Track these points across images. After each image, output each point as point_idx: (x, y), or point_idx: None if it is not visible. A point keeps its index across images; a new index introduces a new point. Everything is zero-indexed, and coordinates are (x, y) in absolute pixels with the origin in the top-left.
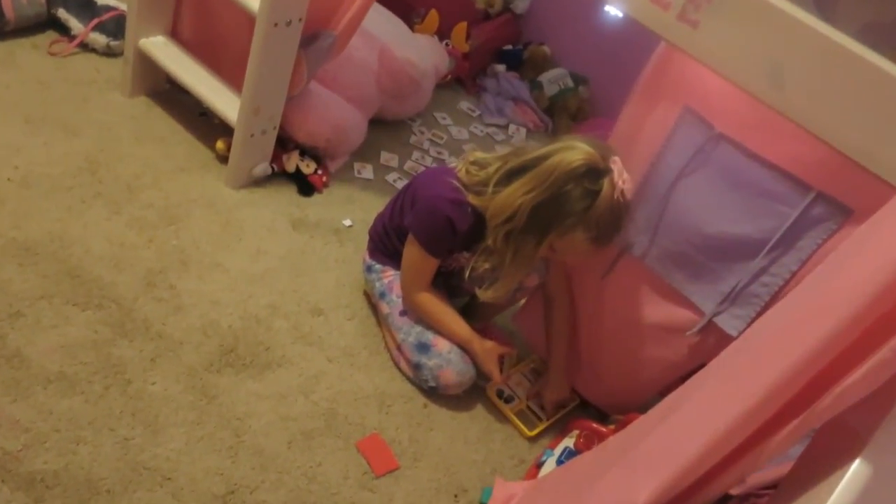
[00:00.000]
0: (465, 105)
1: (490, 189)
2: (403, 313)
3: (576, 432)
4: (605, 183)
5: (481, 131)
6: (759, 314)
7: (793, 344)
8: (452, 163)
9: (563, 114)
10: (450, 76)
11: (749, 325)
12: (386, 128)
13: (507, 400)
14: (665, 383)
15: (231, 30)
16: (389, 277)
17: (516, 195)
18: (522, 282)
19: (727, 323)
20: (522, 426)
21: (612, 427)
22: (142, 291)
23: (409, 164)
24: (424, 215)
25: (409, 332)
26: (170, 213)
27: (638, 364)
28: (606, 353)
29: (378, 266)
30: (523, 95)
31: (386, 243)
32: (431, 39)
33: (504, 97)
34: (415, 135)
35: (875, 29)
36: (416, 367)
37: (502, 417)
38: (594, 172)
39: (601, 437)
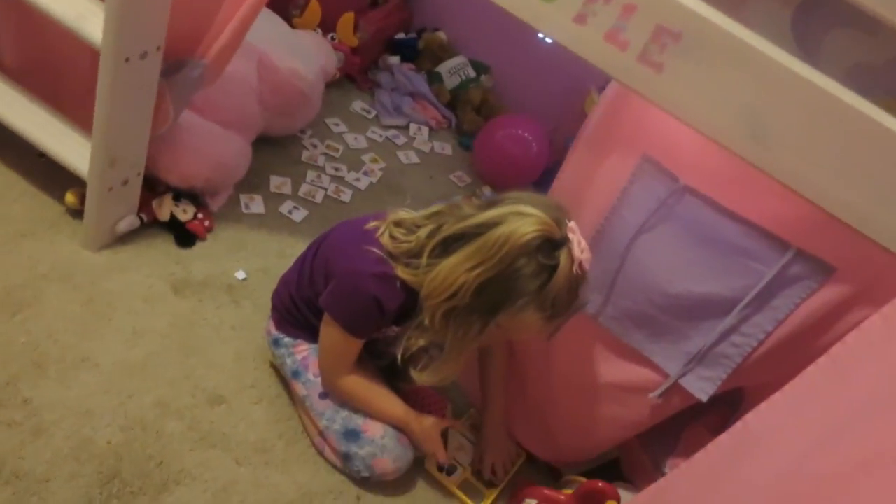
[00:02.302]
0: (358, 105)
1: (424, 261)
2: (324, 395)
3: (528, 503)
4: (563, 257)
5: (380, 136)
6: (731, 376)
7: None
8: (358, 177)
9: (466, 108)
10: (339, 74)
11: (719, 387)
12: (273, 146)
13: (449, 472)
14: (623, 440)
15: (70, 54)
16: (303, 353)
17: (458, 271)
18: None
19: (694, 385)
20: (469, 502)
21: (568, 493)
22: None
23: (304, 188)
24: (345, 295)
25: (334, 419)
26: (13, 298)
27: (593, 423)
28: (557, 411)
29: (288, 340)
30: (422, 89)
31: (295, 315)
32: (315, 36)
33: (401, 93)
34: (307, 149)
35: (865, 72)
36: (346, 457)
37: (446, 492)
38: (549, 245)
39: None
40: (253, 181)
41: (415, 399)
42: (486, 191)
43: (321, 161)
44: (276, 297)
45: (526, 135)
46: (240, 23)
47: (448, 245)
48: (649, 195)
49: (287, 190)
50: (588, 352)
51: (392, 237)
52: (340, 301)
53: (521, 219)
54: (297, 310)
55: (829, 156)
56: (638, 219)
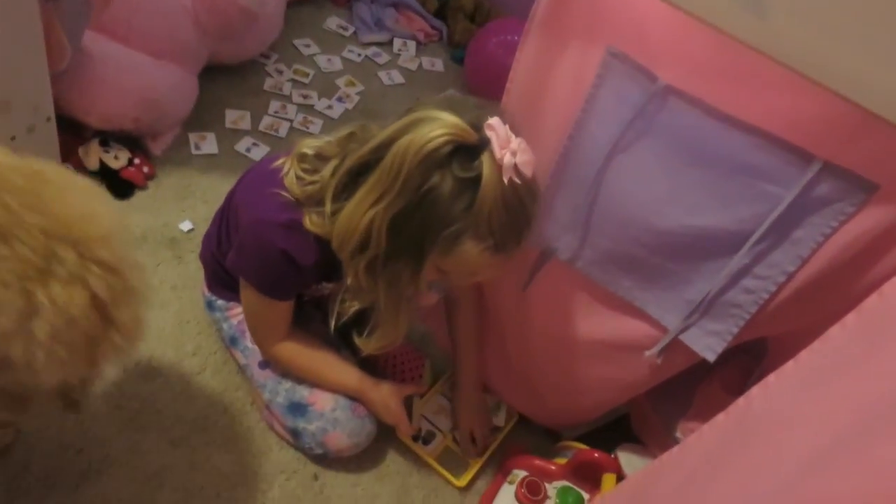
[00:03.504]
0: (333, 22)
1: (328, 207)
2: (265, 365)
3: (516, 475)
4: (485, 164)
5: (358, 55)
6: (744, 329)
7: None
8: (307, 129)
9: (458, 16)
10: None
11: (729, 343)
12: (229, 75)
13: (426, 440)
14: (621, 401)
15: None
16: (239, 317)
17: (360, 210)
18: (418, 302)
19: (698, 342)
20: (449, 476)
21: (561, 462)
22: None
23: (266, 121)
24: (250, 251)
25: (277, 391)
26: None
27: (583, 385)
28: (542, 373)
29: (220, 302)
30: None
31: (222, 276)
32: None
33: (381, 4)
34: (271, 76)
35: None
36: (295, 433)
37: (421, 463)
38: (465, 152)
39: (548, 477)
40: (204, 118)
41: (387, 358)
42: None
43: (287, 89)
44: (202, 256)
45: None
46: None
47: (354, 181)
48: (621, 102)
49: (245, 125)
50: (568, 304)
51: (297, 178)
52: (247, 259)
53: (423, 126)
54: (223, 270)
55: (858, 24)
56: (610, 134)
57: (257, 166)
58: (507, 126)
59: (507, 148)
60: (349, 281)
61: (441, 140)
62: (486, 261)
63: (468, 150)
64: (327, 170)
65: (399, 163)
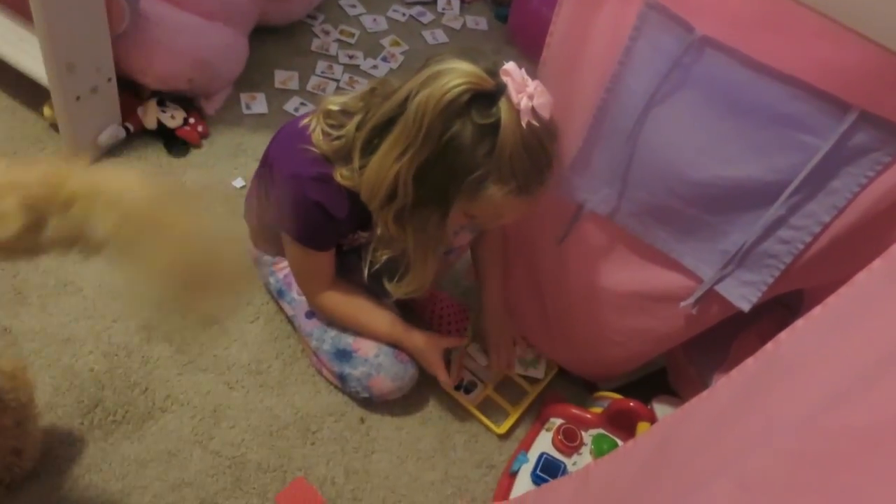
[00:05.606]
0: None
1: (356, 163)
2: (311, 314)
3: (553, 422)
4: (503, 109)
5: (403, 15)
6: (779, 280)
7: None
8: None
9: None
10: None
11: (764, 294)
12: (278, 37)
13: (468, 389)
14: (657, 353)
15: None
16: (284, 270)
17: (386, 164)
18: (451, 243)
19: (733, 292)
20: (489, 423)
21: (597, 411)
22: None
23: (313, 81)
24: (287, 206)
25: (323, 339)
26: None
27: (619, 336)
28: (579, 325)
29: (266, 257)
30: None
31: (265, 231)
32: None
33: None
34: (318, 37)
35: None
36: (341, 378)
37: (462, 411)
38: (483, 99)
39: (584, 424)
40: (254, 78)
41: (433, 311)
42: None
43: (334, 49)
44: (246, 214)
45: None
46: None
47: (379, 135)
48: (658, 54)
49: (294, 85)
50: (605, 257)
51: (324, 133)
52: (285, 213)
53: (441, 77)
54: (265, 226)
55: None
56: (647, 86)
57: (287, 125)
58: (523, 70)
59: (524, 92)
60: (379, 231)
61: (459, 89)
62: (511, 203)
63: (486, 96)
64: (352, 125)
65: (420, 115)
